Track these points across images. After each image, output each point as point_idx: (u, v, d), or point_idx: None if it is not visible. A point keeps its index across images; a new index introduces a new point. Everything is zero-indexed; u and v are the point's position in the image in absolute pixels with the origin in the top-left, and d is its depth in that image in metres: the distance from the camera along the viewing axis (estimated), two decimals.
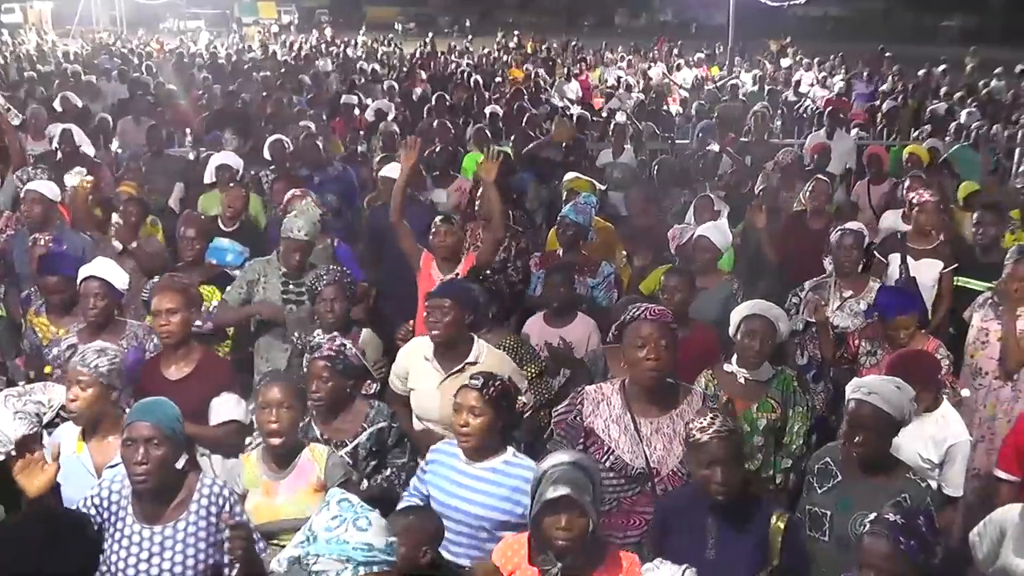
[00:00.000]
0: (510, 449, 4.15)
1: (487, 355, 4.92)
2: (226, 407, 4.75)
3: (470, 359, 4.85)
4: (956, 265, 6.85)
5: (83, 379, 4.16)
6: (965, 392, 5.70)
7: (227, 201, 7.53)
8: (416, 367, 4.95)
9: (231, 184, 7.97)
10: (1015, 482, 4.74)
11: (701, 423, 3.66)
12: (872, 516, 3.22)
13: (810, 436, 4.88)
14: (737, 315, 5.00)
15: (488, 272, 5.88)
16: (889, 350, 5.39)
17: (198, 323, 5.74)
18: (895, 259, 6.70)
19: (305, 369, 4.68)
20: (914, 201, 7.13)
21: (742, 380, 4.87)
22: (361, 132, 12.45)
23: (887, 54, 25.09)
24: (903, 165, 9.63)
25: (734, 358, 4.94)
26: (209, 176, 8.41)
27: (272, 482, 4.15)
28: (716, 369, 4.99)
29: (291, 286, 6.02)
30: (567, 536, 3.26)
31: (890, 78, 21.15)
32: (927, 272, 6.73)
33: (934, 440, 4.69)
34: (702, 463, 3.64)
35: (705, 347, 5.31)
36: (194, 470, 3.88)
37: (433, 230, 6.21)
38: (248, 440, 4.72)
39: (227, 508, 3.71)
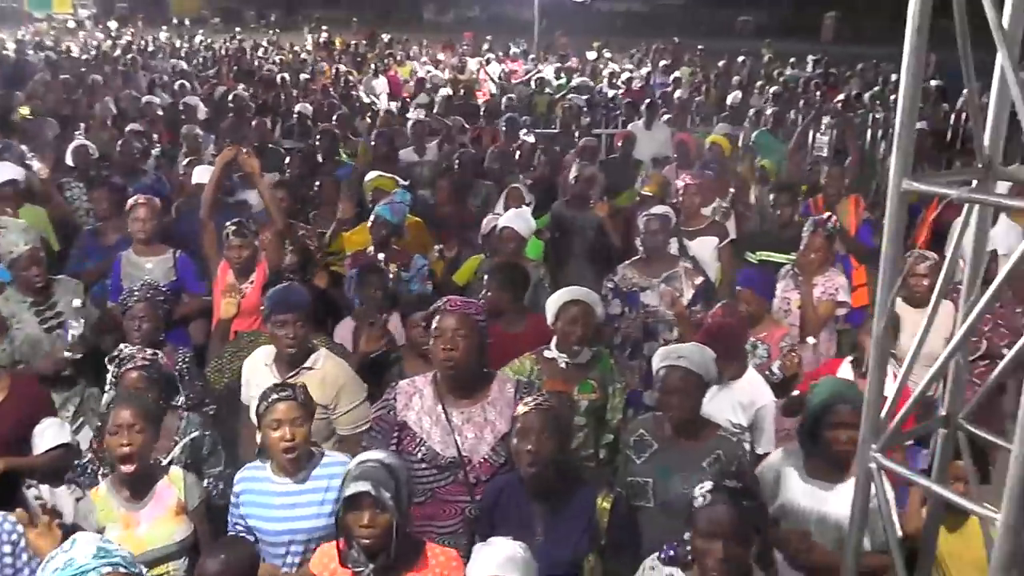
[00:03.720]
0: (318, 450, 4.11)
1: (324, 360, 4.83)
2: (50, 432, 4.47)
3: (307, 364, 4.76)
4: (732, 239, 7.43)
5: None
6: (811, 340, 6.07)
7: None
8: (257, 376, 4.80)
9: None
10: None
11: (526, 400, 3.79)
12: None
13: (627, 410, 5.04)
14: (554, 302, 5.08)
15: (289, 274, 5.81)
16: None
17: None
18: (673, 242, 6.99)
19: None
20: (679, 186, 7.63)
21: (563, 364, 4.96)
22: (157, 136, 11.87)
23: (699, 47, 26.06)
24: (706, 153, 10.00)
25: (553, 343, 5.03)
26: None
27: (131, 513, 3.95)
28: (538, 355, 5.06)
29: (44, 310, 5.72)
30: (370, 533, 3.26)
31: (688, 68, 21.93)
32: (703, 250, 7.15)
33: (742, 405, 4.95)
34: (517, 435, 3.73)
35: (541, 338, 5.28)
36: None
37: (226, 242, 6.08)
38: (77, 463, 4.47)
39: (21, 543, 3.53)
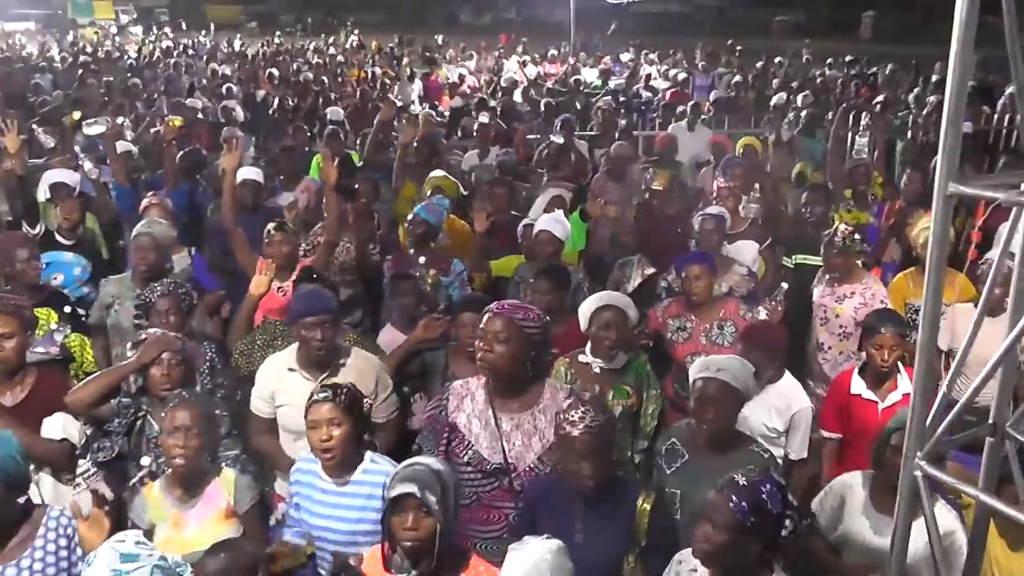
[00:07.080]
0: (367, 455, 4.05)
1: (354, 356, 4.82)
2: (53, 424, 4.49)
3: (339, 360, 4.73)
4: (769, 241, 7.33)
5: None
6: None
7: (64, 212, 7.12)
8: (282, 382, 4.74)
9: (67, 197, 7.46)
10: (837, 439, 5.17)
11: (572, 416, 3.67)
12: (727, 476, 3.27)
13: (663, 417, 5.00)
14: (587, 308, 5.04)
15: (324, 273, 5.77)
16: (697, 322, 5.67)
17: (40, 349, 5.42)
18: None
19: None
20: (714, 188, 7.67)
21: (597, 370, 4.93)
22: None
23: (738, 48, 25.84)
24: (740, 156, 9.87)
25: (588, 348, 4.99)
26: (43, 194, 7.83)
27: (181, 513, 3.94)
28: (572, 359, 5.03)
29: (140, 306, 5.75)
30: (414, 536, 3.23)
31: (733, 68, 21.78)
32: (745, 252, 7.02)
33: (777, 409, 4.91)
34: (571, 457, 3.66)
35: (582, 338, 5.25)
36: (40, 504, 3.70)
37: (267, 238, 6.10)
38: (82, 464, 4.53)
39: (76, 538, 3.57)
